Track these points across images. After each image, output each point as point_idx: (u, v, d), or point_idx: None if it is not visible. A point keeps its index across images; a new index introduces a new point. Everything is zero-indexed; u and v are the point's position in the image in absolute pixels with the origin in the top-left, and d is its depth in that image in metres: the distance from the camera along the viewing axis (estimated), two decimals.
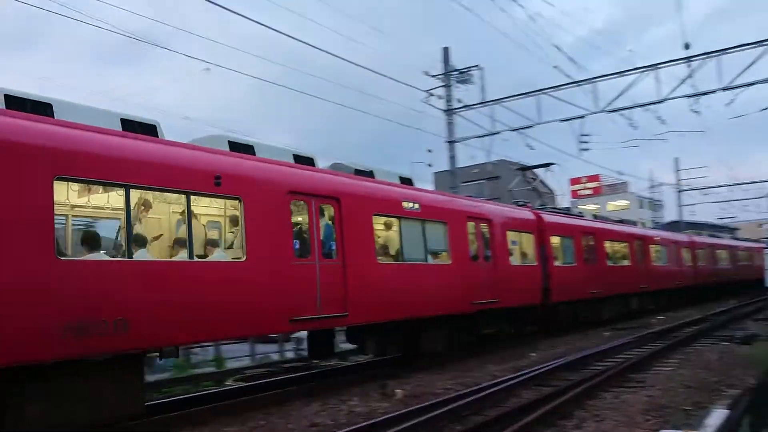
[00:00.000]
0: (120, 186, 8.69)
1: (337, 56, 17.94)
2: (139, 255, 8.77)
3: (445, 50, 25.09)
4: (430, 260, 14.68)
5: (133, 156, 8.86)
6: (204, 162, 9.87)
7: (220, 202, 10.78)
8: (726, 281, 41.31)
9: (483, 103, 24.37)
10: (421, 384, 12.28)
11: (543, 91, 23.23)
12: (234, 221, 10.77)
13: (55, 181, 7.88)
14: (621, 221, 30.21)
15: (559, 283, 19.98)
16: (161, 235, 10.03)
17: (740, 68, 20.17)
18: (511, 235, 18.33)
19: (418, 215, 14.34)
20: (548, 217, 21.20)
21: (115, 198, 9.18)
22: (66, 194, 8.71)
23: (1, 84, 8.52)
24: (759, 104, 21.26)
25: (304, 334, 18.82)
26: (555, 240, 21.02)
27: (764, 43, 19.78)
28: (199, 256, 9.74)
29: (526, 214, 20.22)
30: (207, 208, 10.92)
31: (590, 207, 60.58)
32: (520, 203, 21.67)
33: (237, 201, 10.24)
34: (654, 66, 21.55)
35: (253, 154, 11.15)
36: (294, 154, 12.17)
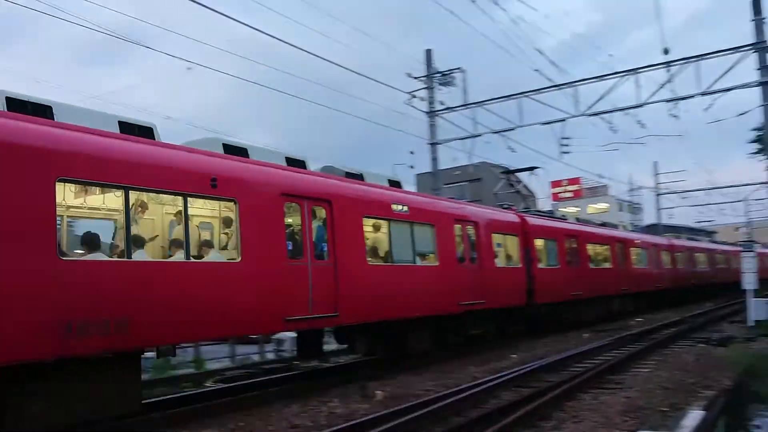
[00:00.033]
0: (119, 188, 8.85)
1: (320, 57, 17.93)
2: (138, 255, 8.94)
3: (428, 52, 25.17)
4: (419, 262, 14.86)
5: (132, 158, 9.02)
6: (200, 164, 10.05)
7: (213, 203, 10.89)
8: (704, 284, 41.91)
9: (465, 105, 24.46)
10: (401, 385, 12.29)
11: (525, 94, 23.38)
12: (227, 222, 10.93)
13: (57, 183, 8.02)
14: (603, 224, 30.54)
15: (542, 285, 20.21)
16: (157, 236, 10.17)
17: (718, 74, 20.47)
18: (496, 238, 18.58)
19: (407, 217, 14.54)
20: (532, 220, 21.46)
21: (113, 199, 9.32)
22: (67, 195, 8.82)
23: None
24: (736, 109, 21.55)
25: (285, 335, 18.93)
26: (539, 242, 21.27)
27: (741, 49, 20.06)
28: (194, 257, 9.86)
29: (511, 216, 20.45)
30: (200, 209, 10.98)
31: (571, 210, 61.02)
32: (505, 206, 21.87)
33: (232, 203, 10.40)
34: (634, 70, 21.77)
35: (247, 156, 11.33)
36: (286, 157, 12.33)
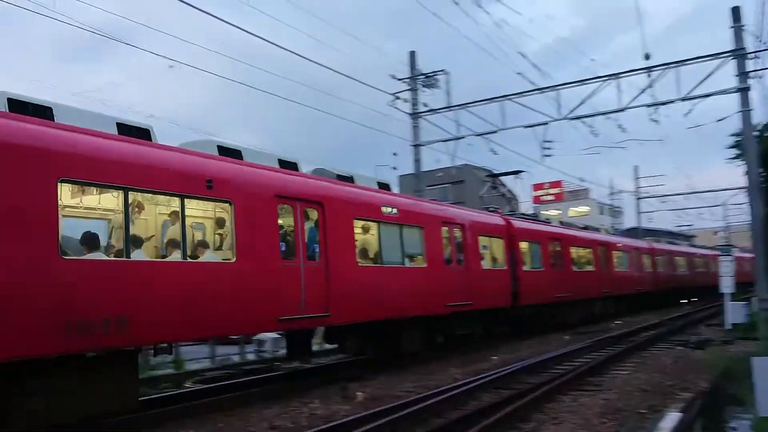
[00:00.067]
0: (119, 188, 9.01)
1: (304, 57, 17.91)
2: (136, 255, 9.11)
3: (412, 54, 25.20)
4: (407, 263, 15.09)
5: (131, 160, 9.17)
6: (197, 166, 10.23)
7: (207, 204, 11.02)
8: (684, 287, 42.45)
9: (448, 107, 24.51)
10: (382, 386, 12.29)
11: (507, 97, 23.46)
12: (220, 223, 11.14)
13: (59, 183, 8.16)
14: (586, 228, 30.84)
15: (527, 287, 20.46)
16: (152, 236, 10.30)
17: (698, 79, 20.69)
18: (482, 240, 18.81)
19: (396, 220, 14.78)
20: (517, 223, 21.74)
21: (112, 199, 9.45)
22: (67, 195, 8.95)
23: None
24: (715, 115, 21.77)
25: (266, 336, 18.86)
26: (523, 245, 21.51)
27: (721, 56, 20.30)
28: (190, 257, 10.04)
29: (497, 219, 20.70)
30: (193, 210, 11.04)
31: (552, 213, 61.49)
32: (491, 209, 22.07)
33: (228, 204, 10.57)
34: (615, 75, 21.94)
35: (241, 158, 11.49)
36: (279, 159, 12.49)
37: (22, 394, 7.98)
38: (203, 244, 10.65)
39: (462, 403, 10.43)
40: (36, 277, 7.70)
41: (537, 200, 77.50)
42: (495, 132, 23.89)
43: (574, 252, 26.10)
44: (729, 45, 20.19)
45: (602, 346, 17.72)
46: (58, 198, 8.13)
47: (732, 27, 20.14)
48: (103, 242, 9.16)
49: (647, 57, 21.44)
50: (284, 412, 10.30)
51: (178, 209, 9.95)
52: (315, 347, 17.00)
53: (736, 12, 20.18)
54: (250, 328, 12.49)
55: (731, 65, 20.10)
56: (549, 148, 23.73)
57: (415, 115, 24.87)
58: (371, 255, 14.14)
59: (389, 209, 14.62)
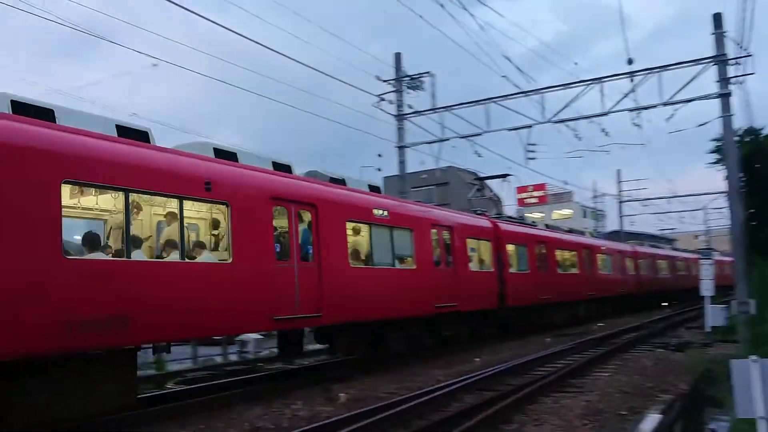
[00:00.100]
0: (121, 190, 9.19)
1: (289, 57, 17.84)
2: (135, 255, 9.31)
3: (397, 56, 25.21)
4: (397, 265, 15.33)
5: (133, 161, 9.36)
6: (195, 168, 10.44)
7: (202, 205, 11.15)
8: (666, 290, 42.88)
9: (433, 109, 24.52)
10: (365, 388, 12.29)
11: (492, 100, 23.51)
12: (215, 224, 11.33)
13: (63, 185, 8.34)
14: (571, 231, 31.10)
15: (513, 289, 20.73)
16: (150, 236, 10.46)
17: (679, 85, 20.88)
18: (470, 243, 19.08)
19: (387, 222, 15.03)
20: (504, 226, 22.03)
21: (113, 201, 9.60)
22: (70, 197, 9.10)
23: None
24: (696, 120, 21.95)
25: (248, 336, 18.78)
26: (510, 248, 21.80)
27: (702, 61, 20.49)
28: (187, 257, 10.23)
29: (484, 222, 20.94)
30: (188, 211, 11.09)
31: (536, 215, 61.75)
32: (479, 212, 22.26)
33: (225, 206, 10.76)
34: (599, 80, 22.06)
35: (236, 160, 11.70)
36: (273, 162, 12.67)
37: (22, 394, 8.16)
38: (200, 245, 10.84)
39: (444, 404, 10.47)
40: (41, 276, 7.86)
41: (521, 203, 77.87)
42: (479, 134, 23.94)
43: (560, 255, 26.39)
44: (710, 51, 20.40)
45: (584, 348, 17.83)
46: (62, 199, 8.30)
47: (713, 33, 20.34)
48: (103, 243, 9.41)
49: (630, 62, 21.57)
50: (266, 413, 10.26)
51: (176, 210, 10.12)
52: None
53: (717, 19, 20.39)
54: (246, 328, 12.72)
55: (712, 71, 20.30)
56: (533, 151, 23.81)
57: (399, 117, 24.87)
58: (363, 256, 14.37)
59: (380, 212, 14.87)
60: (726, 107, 20.11)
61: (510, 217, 26.64)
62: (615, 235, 47.77)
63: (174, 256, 9.89)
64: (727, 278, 30.62)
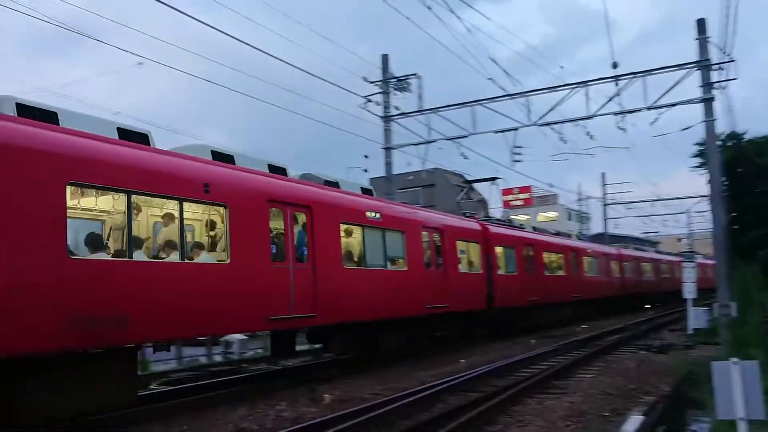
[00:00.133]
0: (123, 192, 9.38)
1: (276, 57, 17.80)
2: (137, 256, 9.50)
3: (384, 57, 25.24)
4: (389, 266, 15.59)
5: (135, 164, 9.58)
6: (195, 171, 10.65)
7: (201, 207, 11.31)
8: (650, 292, 43.28)
9: (420, 111, 24.59)
10: (350, 389, 12.28)
11: (478, 103, 23.62)
12: (213, 225, 11.54)
13: (67, 186, 8.53)
14: (558, 233, 31.35)
15: (501, 291, 21.01)
16: (149, 237, 10.62)
17: (664, 89, 21.09)
18: (460, 245, 19.38)
19: (379, 224, 15.31)
20: (493, 228, 22.26)
21: (115, 202, 9.78)
22: (73, 198, 9.17)
23: None
24: (680, 124, 22.22)
25: (233, 337, 18.71)
26: (498, 250, 22.04)
27: (686, 66, 20.72)
28: (186, 258, 10.42)
29: (474, 225, 21.21)
30: (187, 212, 11.18)
31: (521, 217, 62.00)
32: (468, 214, 22.43)
33: (223, 207, 10.98)
34: (584, 83, 22.23)
35: (233, 162, 11.86)
36: (268, 164, 12.86)
37: (23, 393, 8.36)
38: (199, 246, 11.02)
39: (429, 405, 10.48)
40: (47, 276, 8.04)
41: (507, 205, 77.97)
42: (466, 136, 24.06)
43: (547, 257, 26.68)
44: (694, 56, 20.64)
45: (568, 349, 17.94)
46: (67, 200, 8.49)
47: (697, 39, 20.57)
48: (105, 243, 9.56)
49: (615, 66, 21.80)
50: (250, 414, 10.22)
51: (176, 212, 10.30)
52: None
53: (701, 24, 20.62)
54: (243, 328, 12.92)
55: (696, 76, 20.53)
56: (519, 154, 23.98)
57: (386, 118, 24.91)
58: (356, 258, 14.64)
59: (373, 214, 15.14)
60: (709, 112, 20.35)
61: (498, 220, 26.80)
62: (599, 238, 48.09)
63: (174, 257, 10.10)
64: (710, 281, 30.95)
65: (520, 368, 14.56)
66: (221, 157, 11.70)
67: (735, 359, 6.61)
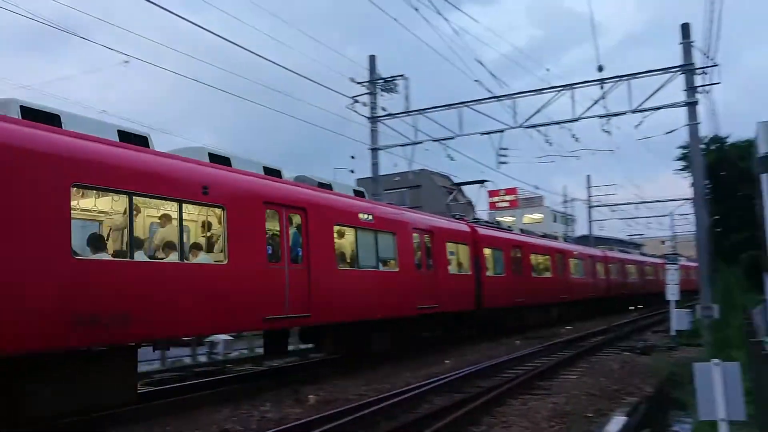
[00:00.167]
0: (125, 193, 9.55)
1: (263, 57, 17.74)
2: (138, 256, 9.69)
3: (372, 58, 25.25)
4: (381, 267, 15.83)
5: (136, 166, 9.76)
6: (194, 173, 10.82)
7: (200, 208, 11.43)
8: (634, 294, 43.62)
9: (407, 112, 24.64)
10: (335, 390, 12.27)
11: (465, 104, 23.71)
12: (211, 227, 11.67)
13: (72, 188, 8.69)
14: (545, 235, 31.56)
15: (490, 292, 21.26)
16: (147, 237, 10.77)
17: (648, 93, 21.27)
18: (449, 246, 19.64)
19: (372, 226, 15.54)
20: (482, 230, 22.44)
21: (117, 204, 10.01)
22: (76, 200, 9.33)
23: None
24: (664, 127, 22.47)
25: (218, 337, 18.61)
26: (487, 251, 22.29)
27: (670, 70, 20.92)
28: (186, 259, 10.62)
29: (463, 227, 21.43)
30: (186, 214, 11.28)
31: (507, 219, 62.22)
32: (457, 216, 22.54)
33: (221, 209, 11.16)
34: (570, 86, 22.38)
35: (230, 165, 12.04)
36: (264, 167, 13.02)
37: (27, 392, 8.50)
38: (197, 246, 11.16)
39: (414, 406, 10.49)
40: (53, 276, 8.20)
41: (492, 206, 78.23)
42: (452, 138, 24.14)
43: (534, 259, 26.90)
44: (678, 60, 20.83)
45: (553, 350, 18.03)
46: (71, 202, 8.65)
47: (681, 43, 20.78)
48: (107, 244, 9.78)
49: (600, 69, 21.96)
50: (234, 415, 10.19)
51: (175, 213, 10.47)
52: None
53: (685, 29, 20.83)
54: (239, 327, 13.11)
55: (680, 80, 20.74)
56: (505, 156, 24.09)
57: (373, 119, 24.93)
58: (349, 259, 14.86)
59: (366, 216, 15.37)
60: (693, 116, 20.55)
61: (487, 222, 26.96)
62: (585, 240, 48.37)
63: (173, 257, 10.27)
64: (693, 283, 31.24)
65: (505, 369, 14.61)
66: (218, 159, 11.83)
67: (716, 360, 6.67)
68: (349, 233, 14.96)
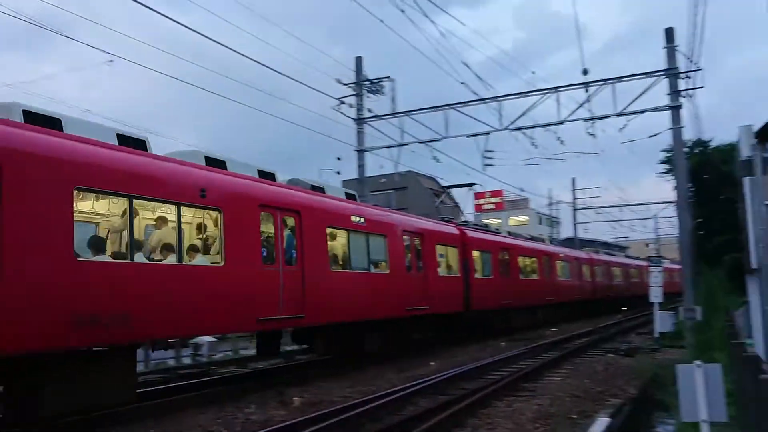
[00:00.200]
0: (126, 196, 9.69)
1: (248, 57, 17.66)
2: (138, 258, 9.87)
3: (358, 60, 25.23)
4: (372, 269, 16.05)
5: (136, 170, 9.91)
6: (192, 176, 10.98)
7: (198, 211, 11.58)
8: (619, 296, 43.92)
9: (393, 114, 24.63)
10: (320, 392, 12.25)
11: (451, 106, 23.74)
12: (207, 229, 11.80)
13: (74, 191, 8.84)
14: (532, 238, 31.75)
15: (478, 293, 21.45)
16: (149, 240, 10.91)
17: (633, 96, 21.42)
18: (439, 249, 19.84)
19: (363, 228, 15.76)
20: (470, 233, 22.65)
21: (117, 206, 10.12)
22: (78, 202, 9.42)
23: None
24: (648, 131, 22.58)
25: (203, 339, 18.51)
26: (476, 254, 22.45)
27: (654, 74, 21.08)
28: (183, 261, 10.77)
29: (452, 229, 21.60)
30: (185, 216, 11.38)
31: (493, 221, 62.41)
32: (446, 219, 22.68)
33: (218, 212, 11.34)
34: (555, 89, 22.48)
35: (225, 168, 12.22)
36: (258, 170, 13.20)
37: (31, 391, 8.73)
38: (194, 248, 11.30)
39: (399, 408, 10.49)
40: (56, 278, 8.34)
41: (478, 208, 78.42)
42: (438, 140, 24.15)
43: (521, 261, 27.09)
44: (662, 64, 21.00)
45: (538, 352, 18.10)
46: (74, 204, 8.81)
47: (665, 47, 20.95)
48: (108, 246, 9.89)
49: (585, 72, 22.08)
50: (218, 417, 10.14)
51: (171, 215, 10.65)
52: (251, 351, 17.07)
53: (669, 33, 21.00)
54: (234, 328, 13.23)
55: (664, 84, 20.90)
56: (490, 158, 24.14)
57: (359, 121, 24.90)
58: (341, 261, 15.07)
59: (357, 218, 15.58)
60: (676, 119, 20.72)
61: (475, 225, 27.14)
62: (570, 242, 48.62)
63: (172, 259, 10.41)
64: (676, 285, 31.48)
65: (490, 371, 14.65)
66: (214, 163, 11.97)
67: (698, 362, 6.73)
68: (342, 236, 15.17)
